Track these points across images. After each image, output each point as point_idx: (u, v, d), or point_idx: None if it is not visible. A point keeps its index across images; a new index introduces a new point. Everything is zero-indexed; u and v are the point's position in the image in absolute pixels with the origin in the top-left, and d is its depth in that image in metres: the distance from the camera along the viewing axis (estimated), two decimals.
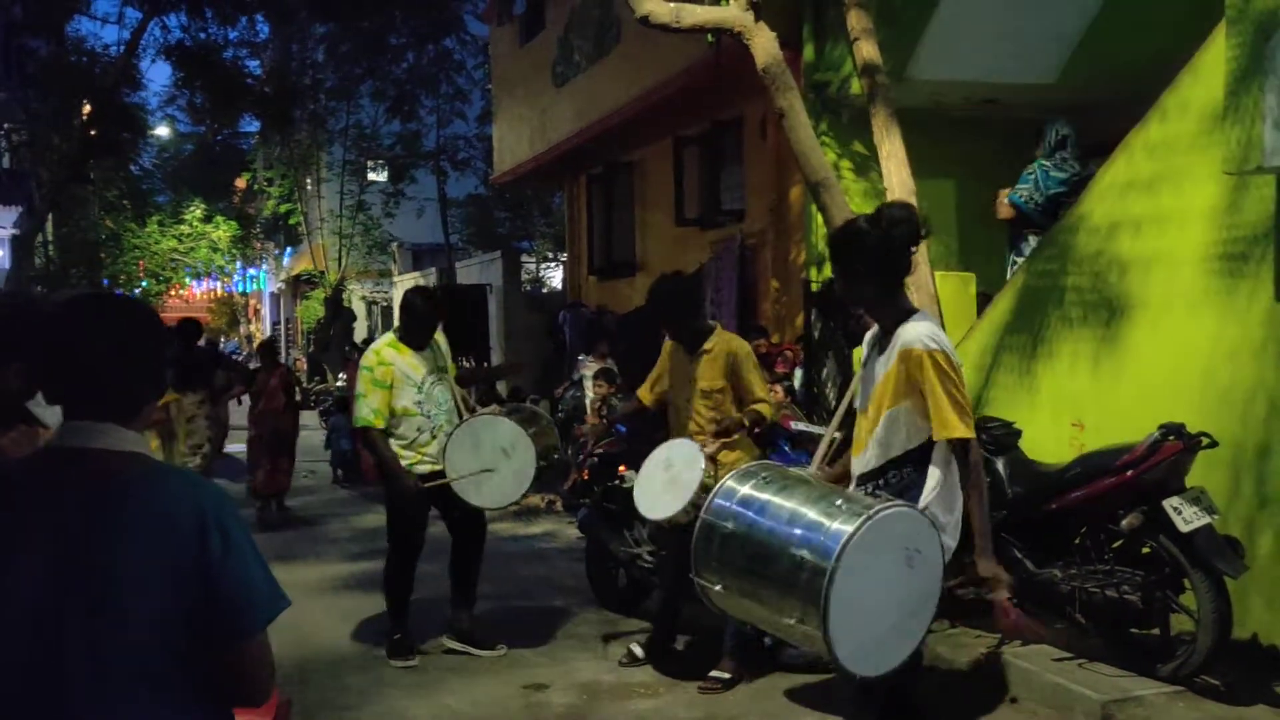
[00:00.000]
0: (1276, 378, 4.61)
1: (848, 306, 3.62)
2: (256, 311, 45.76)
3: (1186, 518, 4.33)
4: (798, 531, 2.97)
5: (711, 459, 4.77)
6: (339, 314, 22.48)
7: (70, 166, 13.36)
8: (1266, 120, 4.29)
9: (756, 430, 5.20)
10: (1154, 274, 5.22)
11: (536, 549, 8.45)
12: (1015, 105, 8.14)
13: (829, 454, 3.62)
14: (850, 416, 3.60)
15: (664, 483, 4.85)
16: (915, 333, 3.21)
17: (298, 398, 10.59)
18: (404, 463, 5.41)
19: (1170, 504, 4.36)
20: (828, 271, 8.01)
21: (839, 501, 3.01)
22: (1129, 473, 4.50)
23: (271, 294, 42.61)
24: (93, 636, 1.64)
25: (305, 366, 27.34)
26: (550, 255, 22.03)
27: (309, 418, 20.36)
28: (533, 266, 21.91)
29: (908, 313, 3.32)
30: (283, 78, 14.62)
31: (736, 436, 4.95)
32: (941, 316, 6.28)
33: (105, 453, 1.73)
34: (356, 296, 25.63)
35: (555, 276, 21.69)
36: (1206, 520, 4.35)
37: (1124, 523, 4.49)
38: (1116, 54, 7.33)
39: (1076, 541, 4.82)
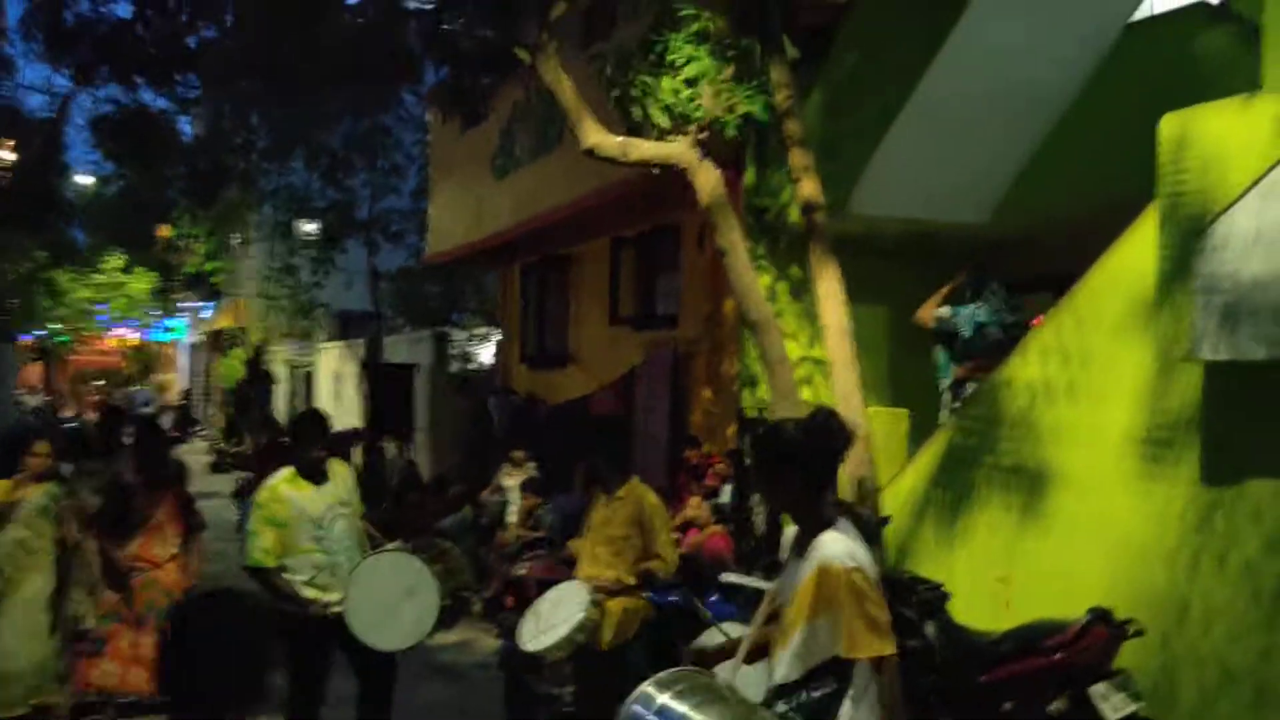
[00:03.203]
0: (1199, 562, 4.68)
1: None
2: (172, 361, 44.61)
3: (1114, 705, 4.35)
4: None
5: (597, 604, 5.07)
6: (259, 377, 21.96)
7: None
8: (1196, 314, 4.40)
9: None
10: (1080, 446, 5.31)
11: (450, 664, 8.15)
12: (951, 240, 8.31)
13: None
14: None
15: (549, 618, 5.17)
16: (834, 549, 3.16)
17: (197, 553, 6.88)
18: None
19: (1097, 690, 4.38)
20: (762, 391, 8.02)
21: None
22: (1058, 655, 4.51)
23: (189, 345, 41.59)
24: None
25: (222, 424, 26.66)
26: (480, 332, 21.88)
27: (220, 483, 19.73)
28: (461, 342, 21.73)
29: (828, 522, 3.26)
30: (214, 152, 14.39)
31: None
32: (872, 454, 6.32)
33: None
34: (279, 360, 25.10)
35: (484, 353, 21.55)
36: (1132, 708, 4.37)
37: (1051, 707, 4.50)
38: (1048, 197, 7.53)
39: (1006, 709, 4.80)
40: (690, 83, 6.34)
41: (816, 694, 3.19)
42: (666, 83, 6.31)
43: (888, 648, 3.10)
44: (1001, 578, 5.73)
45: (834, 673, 3.18)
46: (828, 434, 3.27)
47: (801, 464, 3.25)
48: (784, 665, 3.27)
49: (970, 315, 7.34)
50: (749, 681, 3.49)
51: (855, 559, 3.15)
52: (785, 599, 3.36)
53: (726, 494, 8.85)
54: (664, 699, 3.10)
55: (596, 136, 6.24)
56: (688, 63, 6.27)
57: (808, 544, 3.27)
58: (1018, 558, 5.64)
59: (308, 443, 5.41)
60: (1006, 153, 7.41)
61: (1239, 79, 5.03)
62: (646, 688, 3.16)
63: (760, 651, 3.56)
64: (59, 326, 29.19)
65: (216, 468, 22.81)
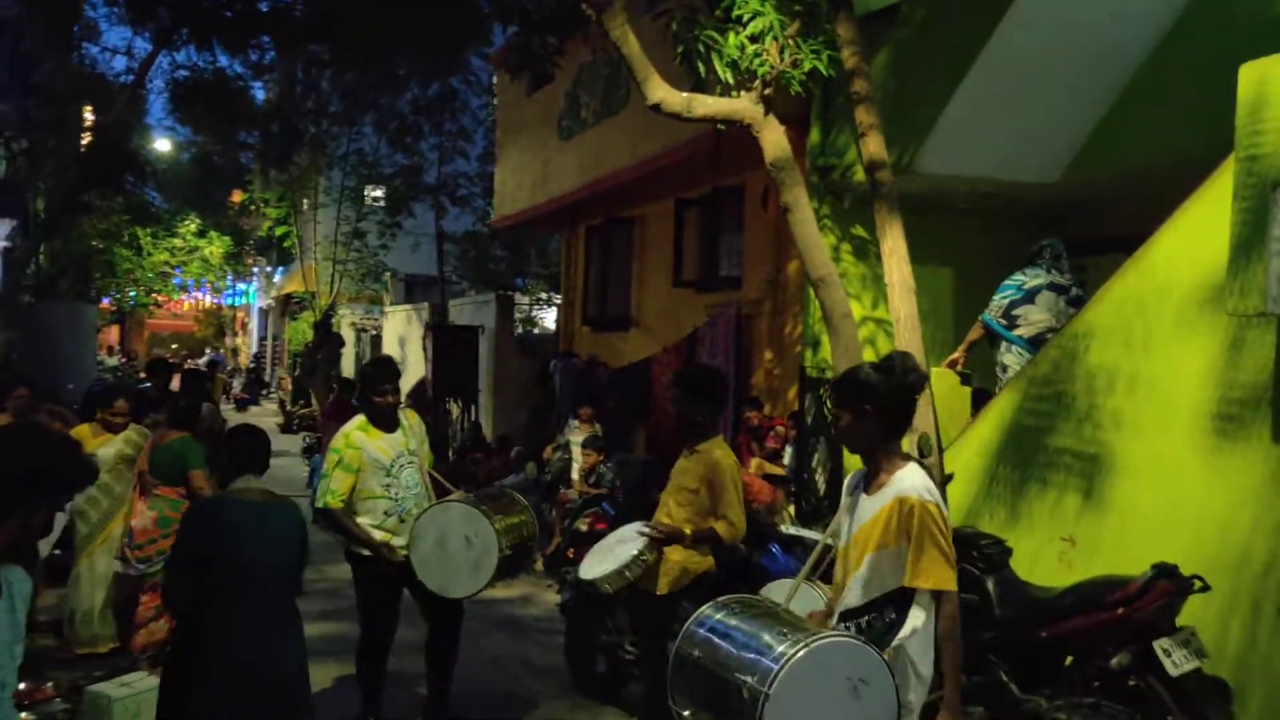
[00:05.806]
0: (1270, 520, 4.61)
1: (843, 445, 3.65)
2: (244, 325, 45.59)
3: (1176, 660, 4.31)
4: (748, 657, 3.12)
5: (656, 544, 5.03)
6: (327, 339, 22.36)
7: (66, 196, 13.33)
8: (1271, 267, 4.31)
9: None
10: (1147, 411, 5.23)
11: (513, 617, 8.32)
12: (1018, 200, 8.19)
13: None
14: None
15: (607, 553, 5.22)
16: (913, 482, 3.31)
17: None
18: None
19: (1161, 645, 4.33)
20: (824, 353, 8.01)
21: (785, 630, 3.14)
22: (1120, 610, 4.47)
23: (260, 309, 42.48)
24: None
25: (290, 387, 27.25)
26: (544, 296, 22.05)
27: (289, 442, 20.25)
28: (525, 306, 21.92)
29: (904, 459, 3.42)
30: (287, 115, 14.61)
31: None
32: (935, 413, 6.28)
33: None
34: (346, 323, 25.52)
35: (548, 317, 21.70)
36: (1196, 664, 4.33)
37: (1114, 661, 4.45)
38: (1119, 157, 7.37)
39: (1065, 666, 4.79)
40: (755, 38, 6.29)
41: (877, 622, 3.31)
42: (732, 38, 6.28)
43: (951, 583, 3.22)
44: (1067, 537, 5.69)
45: (893, 602, 3.31)
46: (904, 375, 3.39)
47: (879, 404, 3.36)
48: (851, 592, 3.40)
49: (1022, 282, 7.19)
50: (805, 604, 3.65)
51: (932, 494, 3.28)
52: (849, 535, 3.46)
53: (788, 456, 8.87)
54: (719, 615, 3.32)
55: (662, 92, 6.23)
56: (753, 18, 6.23)
57: (877, 481, 3.40)
58: (1086, 517, 5.58)
59: (378, 388, 5.52)
60: (1076, 111, 7.25)
61: None
62: (705, 608, 3.38)
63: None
64: (137, 291, 29.93)
65: (285, 428, 23.48)
